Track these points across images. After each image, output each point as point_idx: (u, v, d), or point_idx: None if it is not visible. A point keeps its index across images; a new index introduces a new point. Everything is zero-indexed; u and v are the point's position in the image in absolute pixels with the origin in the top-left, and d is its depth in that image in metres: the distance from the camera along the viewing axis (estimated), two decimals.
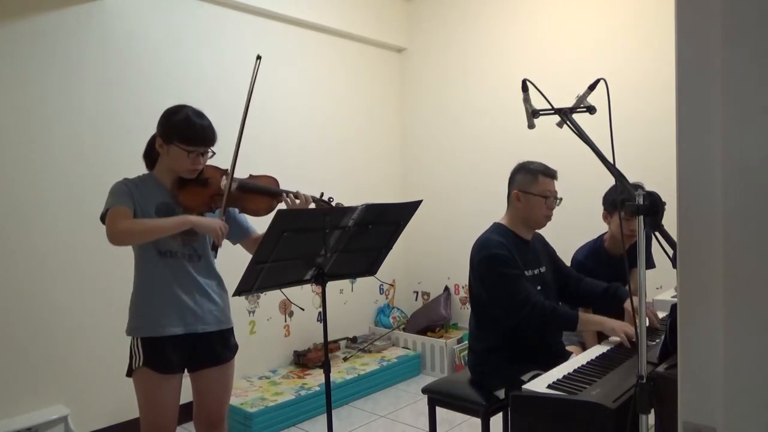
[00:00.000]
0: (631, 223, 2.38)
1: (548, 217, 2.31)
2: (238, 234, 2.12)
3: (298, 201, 2.02)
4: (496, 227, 2.34)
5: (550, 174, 2.29)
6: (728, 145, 0.84)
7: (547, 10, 3.85)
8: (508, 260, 2.20)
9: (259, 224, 2.12)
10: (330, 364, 2.00)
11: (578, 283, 2.48)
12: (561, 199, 2.32)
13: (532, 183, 2.26)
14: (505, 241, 2.25)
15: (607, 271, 2.66)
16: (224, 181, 1.97)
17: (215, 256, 2.01)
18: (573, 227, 3.15)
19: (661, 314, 2.33)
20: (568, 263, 2.81)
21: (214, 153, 1.96)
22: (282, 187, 2.09)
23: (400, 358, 4.06)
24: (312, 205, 2.06)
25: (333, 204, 2.11)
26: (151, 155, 1.99)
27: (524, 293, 2.16)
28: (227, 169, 2.01)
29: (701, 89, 0.86)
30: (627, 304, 2.27)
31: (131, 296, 1.94)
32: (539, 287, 2.29)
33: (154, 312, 1.89)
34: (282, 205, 2.02)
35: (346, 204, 2.09)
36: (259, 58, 1.97)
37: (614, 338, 2.09)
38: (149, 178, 1.96)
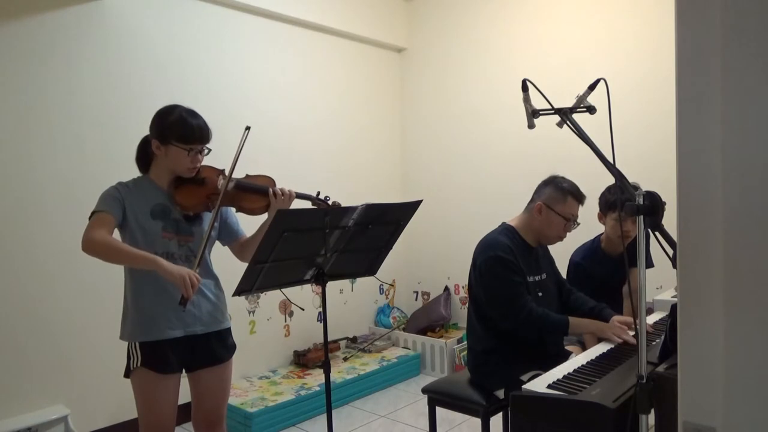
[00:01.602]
0: (624, 224, 2.39)
1: (561, 238, 2.31)
2: (228, 235, 2.13)
3: (283, 197, 2.01)
4: (505, 228, 2.33)
5: (579, 198, 2.27)
6: (728, 144, 0.84)
7: (547, 10, 3.85)
8: (511, 264, 2.20)
9: (252, 225, 2.12)
10: (330, 364, 2.00)
11: (568, 296, 2.49)
12: (579, 223, 2.30)
13: (559, 201, 2.24)
14: (511, 244, 2.24)
15: (604, 271, 2.67)
16: (221, 181, 1.97)
17: (183, 310, 1.85)
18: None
19: (661, 314, 2.33)
20: (566, 262, 2.81)
21: (210, 150, 1.96)
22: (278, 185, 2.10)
23: (400, 358, 4.06)
24: (295, 200, 2.05)
25: (330, 203, 2.11)
26: (144, 158, 1.98)
27: (521, 300, 2.17)
28: (224, 169, 2.01)
29: (701, 89, 0.86)
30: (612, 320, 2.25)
31: (125, 300, 1.93)
32: (540, 293, 2.30)
33: (152, 316, 1.88)
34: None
35: (343, 201, 2.09)
36: (247, 128, 1.97)
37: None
38: (145, 180, 1.95)
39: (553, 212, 2.24)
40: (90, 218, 1.81)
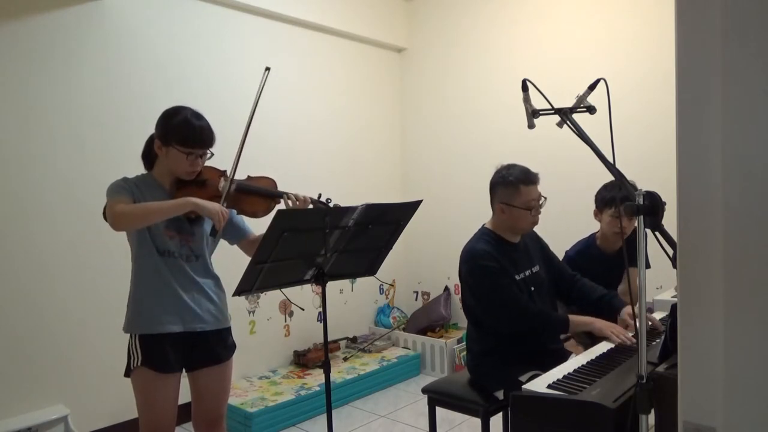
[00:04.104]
0: (619, 222, 2.38)
1: (535, 223, 2.27)
2: (235, 235, 2.13)
3: (297, 202, 2.02)
4: (483, 233, 2.32)
5: (531, 181, 2.21)
6: (728, 144, 0.84)
7: (548, 10, 3.85)
8: (495, 271, 2.18)
9: (257, 225, 2.12)
10: (330, 364, 2.00)
11: (572, 284, 2.44)
12: (545, 198, 2.26)
13: (513, 195, 2.19)
14: (491, 248, 2.22)
15: (599, 268, 2.67)
16: (222, 183, 1.97)
17: (215, 241, 2.01)
18: (574, 227, 3.15)
19: (661, 314, 2.33)
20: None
21: (212, 154, 1.96)
22: (280, 188, 2.09)
23: (400, 358, 4.06)
24: (310, 206, 2.06)
25: (330, 205, 2.11)
26: (149, 156, 1.99)
27: (513, 302, 2.17)
28: (225, 171, 2.01)
29: (701, 89, 0.86)
30: (623, 311, 2.24)
31: (129, 294, 1.95)
32: (533, 288, 2.28)
33: (153, 309, 1.89)
34: (281, 206, 2.02)
35: (343, 201, 2.09)
36: (267, 69, 1.95)
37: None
38: (148, 178, 1.96)
39: (513, 207, 2.20)
40: (105, 206, 1.82)
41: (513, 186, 2.20)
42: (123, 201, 1.81)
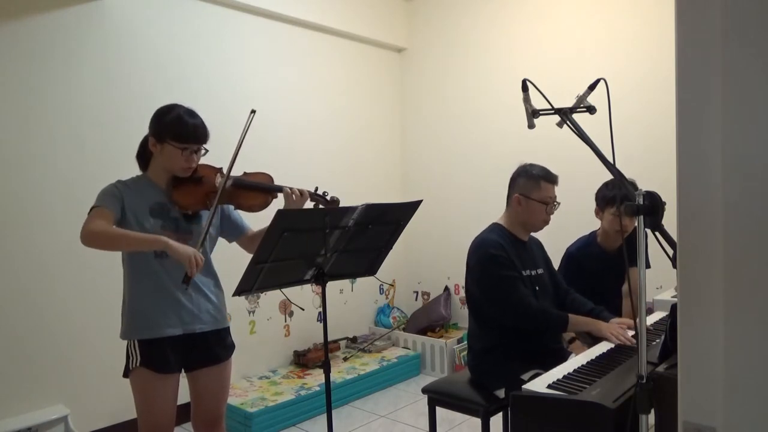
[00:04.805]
0: (619, 221, 2.39)
1: (546, 222, 2.33)
2: (233, 232, 2.13)
3: (294, 196, 2.01)
4: (494, 227, 2.36)
5: (552, 179, 2.30)
6: (728, 144, 0.84)
7: (548, 10, 3.85)
8: (504, 261, 2.22)
9: (256, 221, 2.12)
10: (330, 364, 2.00)
11: (565, 296, 2.49)
12: (559, 203, 2.33)
13: (533, 188, 2.28)
14: (502, 241, 2.27)
15: (599, 266, 2.67)
16: (218, 179, 1.97)
17: (186, 289, 1.88)
18: (574, 227, 3.15)
19: (661, 314, 2.33)
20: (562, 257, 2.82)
21: (206, 151, 1.96)
22: (276, 183, 2.10)
23: (400, 358, 4.06)
24: (308, 200, 2.06)
25: (328, 198, 2.11)
26: (144, 156, 1.99)
27: (518, 295, 2.19)
28: (221, 168, 2.01)
29: (701, 89, 0.86)
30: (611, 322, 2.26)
31: (123, 299, 1.93)
32: (537, 287, 2.30)
33: (152, 313, 1.88)
34: (282, 198, 2.02)
35: (343, 201, 2.09)
36: (253, 112, 1.96)
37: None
38: (143, 178, 1.96)
39: (531, 200, 2.28)
40: (89, 213, 1.81)
41: (534, 179, 2.28)
42: (105, 215, 1.78)
